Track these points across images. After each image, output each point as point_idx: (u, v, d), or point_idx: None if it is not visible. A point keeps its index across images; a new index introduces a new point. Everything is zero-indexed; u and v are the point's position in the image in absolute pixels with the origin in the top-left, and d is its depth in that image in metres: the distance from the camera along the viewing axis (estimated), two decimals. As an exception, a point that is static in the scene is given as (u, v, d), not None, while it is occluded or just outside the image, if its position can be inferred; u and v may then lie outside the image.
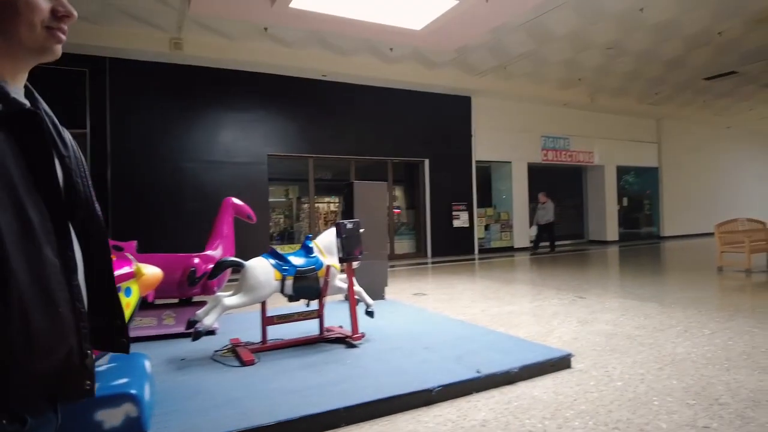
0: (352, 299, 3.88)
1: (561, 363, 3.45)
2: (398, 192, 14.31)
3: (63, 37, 0.86)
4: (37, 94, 0.89)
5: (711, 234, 15.39)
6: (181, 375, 3.34)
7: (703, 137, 18.12)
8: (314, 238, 4.15)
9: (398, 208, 14.17)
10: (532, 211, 14.86)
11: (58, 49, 0.87)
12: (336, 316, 4.66)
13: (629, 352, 3.84)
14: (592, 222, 16.36)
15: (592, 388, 3.08)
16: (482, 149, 13.27)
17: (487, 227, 13.87)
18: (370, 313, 4.07)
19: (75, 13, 0.87)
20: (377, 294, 5.96)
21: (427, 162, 12.43)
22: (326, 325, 4.29)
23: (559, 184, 16.55)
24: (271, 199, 12.49)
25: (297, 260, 3.84)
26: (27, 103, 0.84)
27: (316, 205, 15.19)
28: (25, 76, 0.87)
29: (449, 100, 12.62)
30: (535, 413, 2.74)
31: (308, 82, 10.80)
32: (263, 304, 3.85)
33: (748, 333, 4.29)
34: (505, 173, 14.25)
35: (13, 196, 0.76)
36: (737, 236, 8.50)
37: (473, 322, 4.93)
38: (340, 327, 4.30)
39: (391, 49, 9.92)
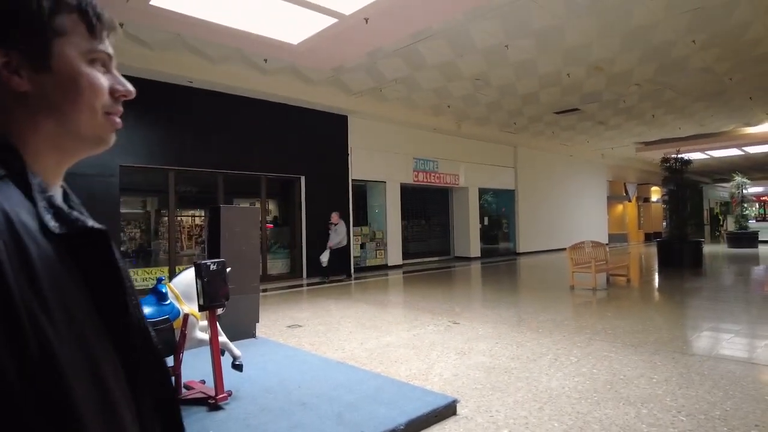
0: (216, 354, 3.31)
1: (446, 411, 3.28)
2: (272, 206, 13.67)
3: (120, 123, 0.70)
4: (69, 191, 0.70)
5: (559, 250, 17.26)
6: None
7: (551, 164, 20.27)
8: (169, 279, 3.50)
9: (271, 223, 13.51)
10: (406, 228, 15.27)
11: (113, 139, 0.71)
12: (197, 367, 4.01)
13: (509, 389, 3.83)
14: (458, 239, 17.25)
15: (480, 441, 2.94)
16: (358, 168, 13.22)
17: (362, 246, 13.82)
18: (237, 367, 3.53)
19: (133, 91, 0.70)
20: (248, 332, 5.36)
21: (303, 179, 11.98)
22: (186, 380, 3.65)
23: (428, 204, 17.25)
24: (124, 210, 11.03)
25: (144, 309, 3.17)
26: (88, 219, 0.64)
27: (180, 218, 13.83)
28: (64, 172, 0.69)
29: (326, 118, 12.36)
30: (426, 482, 2.49)
31: (172, 87, 9.73)
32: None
33: (606, 358, 4.60)
34: (379, 192, 14.37)
35: (86, 352, 0.56)
36: (585, 257, 9.44)
37: (352, 361, 4.62)
38: (202, 382, 3.68)
39: (265, 60, 9.37)
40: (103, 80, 0.66)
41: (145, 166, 9.68)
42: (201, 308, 3.29)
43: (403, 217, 15.12)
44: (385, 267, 14.02)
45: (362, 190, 14.43)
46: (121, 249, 9.75)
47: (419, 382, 3.98)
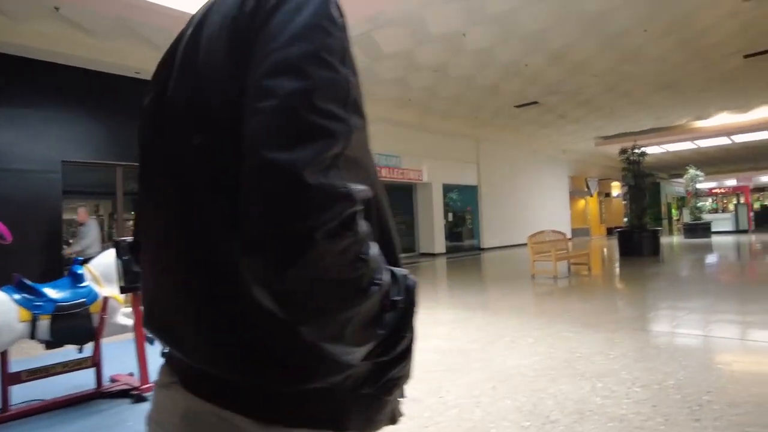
0: (139, 339, 3.01)
1: (395, 393, 3.07)
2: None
3: None
4: None
5: (523, 245, 17.38)
6: None
7: (513, 160, 20.45)
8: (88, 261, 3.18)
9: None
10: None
11: None
12: (129, 359, 3.68)
13: (463, 370, 3.66)
14: (422, 236, 17.16)
15: (427, 421, 2.74)
16: (319, 163, 12.93)
17: (324, 243, 13.53)
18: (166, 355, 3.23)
19: None
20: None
21: (260, 175, 11.59)
22: (113, 373, 3.33)
23: (393, 200, 17.04)
24: (71, 216, 10.42)
25: (57, 293, 2.85)
26: None
27: (130, 222, 13.19)
28: None
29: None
30: (365, 465, 2.27)
31: (118, 78, 9.23)
32: (3, 354, 2.76)
33: (565, 338, 4.49)
34: (342, 188, 14.10)
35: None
36: (545, 246, 9.44)
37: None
38: (131, 375, 3.36)
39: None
40: None
41: (91, 161, 9.14)
42: (122, 290, 2.97)
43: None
44: (349, 264, 13.76)
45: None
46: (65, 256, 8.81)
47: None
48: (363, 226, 0.54)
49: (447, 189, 18.01)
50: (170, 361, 0.66)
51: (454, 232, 18.87)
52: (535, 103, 14.07)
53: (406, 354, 0.64)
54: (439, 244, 16.84)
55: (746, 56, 10.67)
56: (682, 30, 9.22)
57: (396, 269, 0.62)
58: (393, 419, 0.71)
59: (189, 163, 0.60)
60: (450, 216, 18.60)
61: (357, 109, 0.59)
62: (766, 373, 3.38)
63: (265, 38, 0.56)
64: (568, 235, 23.24)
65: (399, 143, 15.39)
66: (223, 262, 0.55)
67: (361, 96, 0.62)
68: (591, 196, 27.15)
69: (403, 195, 17.24)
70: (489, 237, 18.71)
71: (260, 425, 0.56)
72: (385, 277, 0.57)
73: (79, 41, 8.17)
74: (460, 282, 9.58)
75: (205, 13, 0.67)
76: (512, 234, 19.50)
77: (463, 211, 19.41)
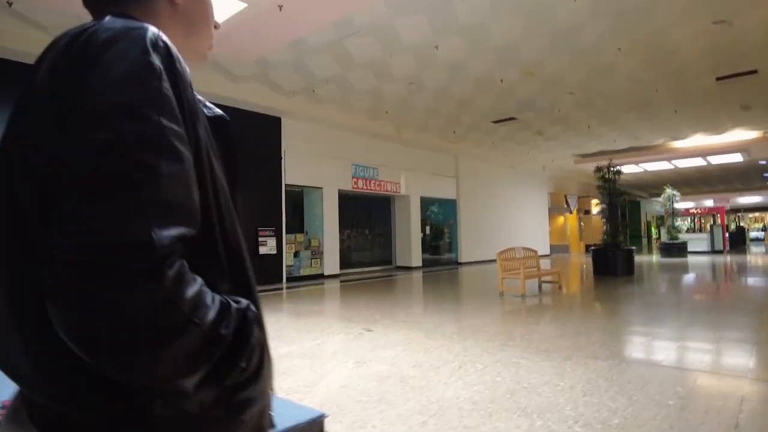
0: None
1: (309, 428, 2.77)
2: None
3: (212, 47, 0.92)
4: None
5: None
6: None
7: (493, 175, 20.37)
8: None
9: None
10: (350, 237, 14.77)
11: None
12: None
13: (397, 401, 3.38)
14: (400, 249, 16.90)
15: (338, 464, 2.46)
16: (293, 173, 12.65)
17: (296, 254, 13.18)
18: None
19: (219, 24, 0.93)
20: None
21: (228, 183, 11.26)
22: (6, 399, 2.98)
23: (370, 212, 16.84)
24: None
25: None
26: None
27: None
28: None
29: (257, 119, 11.75)
30: None
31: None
32: None
33: (515, 365, 4.24)
34: (317, 199, 13.83)
35: (225, 189, 0.75)
36: (514, 263, 9.24)
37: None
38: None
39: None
40: None
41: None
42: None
43: (345, 225, 14.63)
44: (321, 276, 13.43)
45: (298, 196, 13.85)
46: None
47: (298, 395, 3.47)
48: (173, 270, 0.54)
49: (426, 202, 17.82)
50: (20, 394, 0.68)
51: (432, 245, 18.65)
52: (513, 118, 13.99)
53: (255, 377, 0.66)
54: (416, 258, 16.59)
55: (718, 78, 10.69)
56: (652, 49, 9.18)
57: (232, 303, 0.63)
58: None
59: (9, 202, 0.63)
60: (428, 229, 18.38)
61: (173, 153, 0.58)
62: (718, 407, 3.16)
63: (83, 86, 0.58)
64: (547, 252, 23.18)
65: (376, 155, 15.21)
66: (35, 298, 0.56)
67: (183, 137, 0.61)
68: (570, 212, 27.20)
69: (381, 207, 16.98)
70: (467, 251, 18.53)
71: None
72: (210, 314, 0.58)
73: (34, 38, 7.83)
74: (426, 298, 9.32)
75: (43, 55, 0.68)
76: (491, 248, 19.20)
77: (442, 225, 19.21)
